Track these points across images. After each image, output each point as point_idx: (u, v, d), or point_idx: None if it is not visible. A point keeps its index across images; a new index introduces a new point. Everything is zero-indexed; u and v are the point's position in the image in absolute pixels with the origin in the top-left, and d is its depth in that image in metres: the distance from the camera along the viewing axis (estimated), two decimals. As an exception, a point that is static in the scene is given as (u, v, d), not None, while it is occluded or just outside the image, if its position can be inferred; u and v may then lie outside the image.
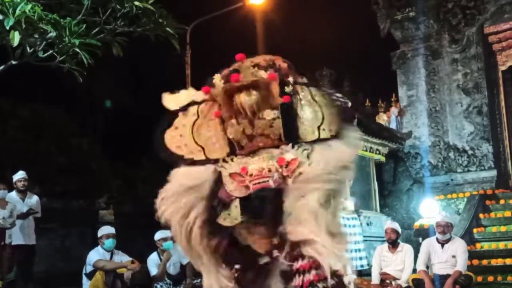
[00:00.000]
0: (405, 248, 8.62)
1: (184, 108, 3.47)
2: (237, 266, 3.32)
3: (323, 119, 3.33)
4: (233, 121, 3.31)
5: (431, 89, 14.41)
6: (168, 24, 7.51)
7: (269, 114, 3.27)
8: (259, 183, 3.22)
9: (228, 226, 3.28)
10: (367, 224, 11.13)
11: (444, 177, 13.88)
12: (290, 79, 3.35)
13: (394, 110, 15.26)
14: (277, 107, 3.29)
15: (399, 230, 8.81)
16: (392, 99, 15.66)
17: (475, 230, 11.54)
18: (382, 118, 15.48)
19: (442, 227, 8.11)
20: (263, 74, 3.33)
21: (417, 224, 11.45)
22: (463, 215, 11.94)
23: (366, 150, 11.72)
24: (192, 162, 3.43)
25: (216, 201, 3.31)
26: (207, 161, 3.39)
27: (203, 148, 3.41)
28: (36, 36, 6.89)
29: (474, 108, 13.80)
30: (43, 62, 7.34)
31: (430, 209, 11.20)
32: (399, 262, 8.51)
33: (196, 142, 3.42)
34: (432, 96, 14.37)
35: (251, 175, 3.24)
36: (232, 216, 3.28)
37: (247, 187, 3.26)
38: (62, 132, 16.58)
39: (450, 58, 14.23)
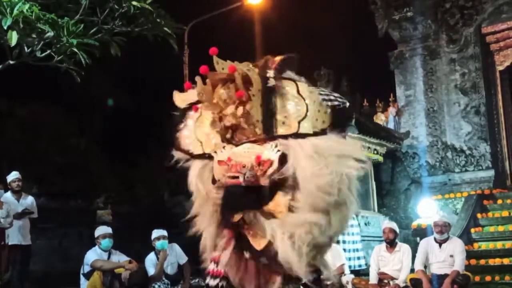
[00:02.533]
0: (403, 248, 8.63)
1: (191, 106, 3.57)
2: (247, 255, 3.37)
3: (306, 114, 3.32)
4: (216, 115, 3.40)
5: (429, 89, 14.42)
6: (166, 24, 7.51)
7: (240, 110, 3.31)
8: (230, 177, 3.29)
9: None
10: (365, 224, 11.14)
11: (442, 177, 13.89)
12: (271, 73, 3.36)
13: (392, 110, 15.27)
14: (248, 100, 3.32)
15: (397, 230, 8.82)
16: (390, 99, 15.68)
17: (472, 230, 11.55)
18: (380, 118, 15.50)
19: (439, 226, 8.12)
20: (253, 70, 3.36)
21: (415, 224, 11.46)
22: (460, 215, 11.95)
23: (364, 150, 11.73)
24: (192, 156, 3.57)
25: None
26: (203, 155, 3.52)
27: (201, 143, 3.54)
28: (34, 36, 6.89)
29: (472, 108, 13.82)
30: (41, 62, 7.34)
31: (428, 209, 11.22)
32: (397, 262, 8.52)
33: (197, 138, 3.56)
34: (430, 96, 14.39)
35: (230, 167, 3.31)
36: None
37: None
38: (60, 132, 16.58)
39: (447, 58, 14.25)
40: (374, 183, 12.16)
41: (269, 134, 3.35)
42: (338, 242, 10.13)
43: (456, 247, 8.10)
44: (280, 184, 3.31)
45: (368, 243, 10.83)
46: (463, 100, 13.96)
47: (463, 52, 14.07)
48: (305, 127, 3.31)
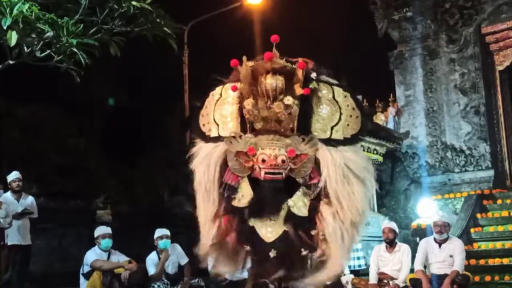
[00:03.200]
0: (403, 248, 8.62)
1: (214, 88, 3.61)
2: (247, 248, 3.36)
3: (339, 120, 3.38)
4: (252, 101, 3.37)
5: (428, 89, 14.43)
6: (166, 24, 7.51)
7: (288, 100, 3.31)
8: (271, 173, 3.31)
9: (241, 207, 3.41)
10: (365, 224, 11.14)
11: (441, 177, 13.90)
12: (314, 75, 3.43)
13: (391, 110, 15.28)
14: (297, 97, 3.35)
15: (397, 229, 8.82)
16: (390, 99, 15.69)
17: (472, 230, 11.55)
18: (379, 118, 15.50)
19: (439, 227, 8.11)
20: (290, 65, 3.40)
21: (414, 224, 11.47)
22: (460, 215, 11.95)
23: (363, 150, 11.73)
24: (206, 140, 3.58)
25: (223, 186, 3.41)
26: (218, 138, 3.53)
27: (218, 126, 3.55)
28: (34, 35, 6.89)
29: (472, 108, 13.83)
30: (40, 62, 7.34)
31: (427, 209, 11.22)
32: (396, 262, 8.51)
33: (214, 120, 3.57)
34: (430, 96, 14.39)
35: (263, 161, 3.31)
36: (245, 197, 3.39)
37: (250, 168, 3.35)
38: (60, 132, 16.57)
39: (447, 58, 14.25)
40: (373, 183, 12.16)
41: (300, 131, 3.38)
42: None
43: (455, 247, 8.10)
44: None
45: (367, 243, 10.83)
46: (462, 100, 13.96)
47: (462, 52, 14.07)
48: (337, 133, 3.37)
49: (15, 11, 6.24)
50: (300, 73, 3.34)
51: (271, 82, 3.34)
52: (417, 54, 14.64)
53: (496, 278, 9.75)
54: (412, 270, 8.41)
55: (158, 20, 7.43)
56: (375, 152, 12.12)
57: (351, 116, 3.41)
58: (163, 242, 8.20)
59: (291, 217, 3.36)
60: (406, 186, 13.92)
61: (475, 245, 11.26)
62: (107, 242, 8.00)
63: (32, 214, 9.39)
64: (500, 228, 11.37)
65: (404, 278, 8.38)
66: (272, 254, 3.33)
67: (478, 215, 11.94)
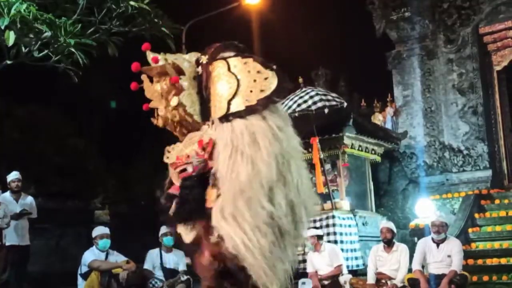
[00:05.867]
0: (401, 248, 8.62)
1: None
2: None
3: (237, 90, 3.06)
4: (160, 109, 3.27)
5: (426, 89, 14.42)
6: (164, 24, 7.51)
7: (173, 101, 3.18)
8: (180, 171, 3.13)
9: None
10: (363, 224, 11.12)
11: (439, 177, 13.89)
12: (204, 58, 3.22)
13: (389, 110, 15.27)
14: (184, 92, 3.19)
15: (395, 229, 8.82)
16: (388, 99, 15.67)
17: (470, 230, 11.54)
18: (377, 118, 15.49)
19: (437, 226, 8.11)
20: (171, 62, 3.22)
21: (412, 223, 11.46)
22: (458, 215, 11.94)
23: (361, 150, 11.71)
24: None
25: (164, 197, 3.24)
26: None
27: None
28: (31, 36, 6.88)
29: (469, 108, 13.82)
30: (38, 62, 7.33)
31: (425, 209, 11.21)
32: (394, 262, 8.51)
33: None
34: (428, 96, 14.38)
35: (178, 163, 3.16)
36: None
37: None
38: (58, 132, 16.52)
39: (445, 58, 14.24)
40: (371, 183, 12.14)
41: (207, 120, 3.19)
42: (336, 242, 10.13)
43: (453, 247, 8.10)
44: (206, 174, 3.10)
45: (365, 243, 10.82)
46: (460, 100, 13.96)
47: (460, 52, 14.06)
48: (237, 105, 3.04)
49: (12, 11, 6.23)
50: (168, 67, 3.16)
51: (156, 87, 3.26)
52: (415, 54, 14.63)
53: (494, 278, 9.75)
54: (410, 270, 8.41)
55: (156, 20, 7.44)
56: (373, 152, 12.09)
57: (255, 80, 3.05)
58: (167, 239, 8.29)
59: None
60: (404, 186, 13.91)
61: (473, 245, 11.25)
62: (105, 242, 7.99)
63: (30, 214, 9.37)
64: (498, 228, 11.36)
65: (402, 278, 8.38)
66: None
67: (476, 215, 11.93)
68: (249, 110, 3.03)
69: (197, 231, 3.12)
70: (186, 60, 3.24)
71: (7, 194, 9.28)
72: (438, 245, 8.12)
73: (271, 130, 3.04)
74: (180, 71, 3.19)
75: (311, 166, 10.74)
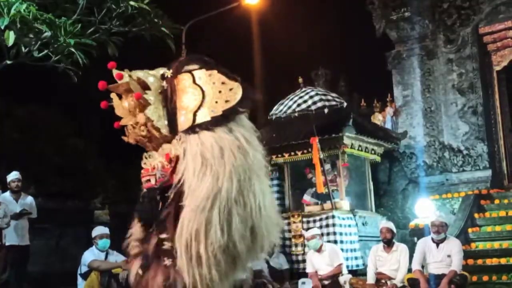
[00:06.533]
0: (400, 248, 8.63)
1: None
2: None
3: (202, 101, 3.09)
4: (129, 126, 3.32)
5: (426, 89, 14.41)
6: (164, 24, 7.50)
7: (141, 119, 3.22)
8: (145, 181, 3.23)
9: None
10: (363, 224, 11.12)
11: (439, 177, 13.88)
12: (168, 72, 3.25)
13: (389, 110, 15.26)
14: (151, 108, 3.19)
15: (394, 229, 8.82)
16: (388, 99, 15.67)
17: (470, 230, 11.54)
18: (377, 118, 15.48)
19: (436, 226, 8.11)
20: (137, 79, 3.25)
21: (412, 223, 11.45)
22: (458, 215, 11.94)
23: (361, 150, 11.71)
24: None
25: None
26: None
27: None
28: (31, 35, 6.88)
29: (469, 108, 13.82)
30: (38, 62, 7.32)
31: (425, 209, 11.20)
32: (394, 262, 8.52)
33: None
34: (427, 96, 14.38)
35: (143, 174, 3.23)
36: None
37: None
38: (58, 132, 16.54)
39: (445, 58, 14.24)
40: (371, 183, 12.14)
41: (175, 134, 3.19)
42: (336, 242, 10.13)
43: (453, 247, 8.10)
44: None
45: (365, 243, 10.82)
46: (460, 100, 13.95)
47: (460, 52, 14.06)
48: (202, 116, 3.07)
49: (12, 11, 6.22)
50: (132, 83, 3.19)
51: (124, 104, 3.30)
52: (415, 54, 14.62)
53: (494, 278, 9.75)
54: (410, 270, 8.41)
55: (156, 20, 7.44)
56: (373, 152, 12.09)
57: (220, 91, 3.08)
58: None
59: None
60: (404, 186, 13.91)
61: (473, 245, 11.25)
62: (104, 242, 7.99)
63: (30, 214, 9.37)
64: (498, 228, 11.35)
65: (401, 278, 8.38)
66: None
67: (476, 215, 11.93)
68: (215, 121, 3.05)
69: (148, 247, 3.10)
70: (152, 75, 3.25)
71: (7, 194, 9.29)
72: (438, 245, 8.13)
73: (238, 142, 3.05)
74: (145, 87, 3.19)
75: (311, 166, 10.75)
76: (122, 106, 3.30)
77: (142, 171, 3.29)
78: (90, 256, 7.88)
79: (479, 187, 13.06)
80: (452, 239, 8.39)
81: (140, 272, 3.10)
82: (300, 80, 11.68)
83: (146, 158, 3.35)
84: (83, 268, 7.88)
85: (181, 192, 3.01)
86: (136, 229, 3.28)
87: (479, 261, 10.42)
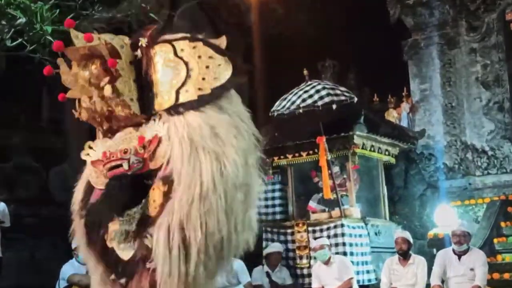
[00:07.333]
0: (417, 260, 8.66)
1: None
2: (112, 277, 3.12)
3: (186, 77, 2.98)
4: (83, 99, 3.10)
5: (446, 82, 14.46)
6: (152, 9, 7.52)
7: (107, 91, 2.99)
8: (112, 167, 3.02)
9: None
10: (375, 234, 11.15)
11: (461, 181, 13.93)
12: (143, 41, 3.09)
13: (405, 106, 15.31)
14: (121, 78, 3.02)
15: (411, 240, 8.85)
16: (403, 94, 15.72)
17: (495, 240, 11.59)
18: (391, 115, 15.54)
19: (458, 236, 8.14)
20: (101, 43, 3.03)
21: (431, 233, 11.50)
22: (482, 223, 11.99)
23: (374, 151, 11.73)
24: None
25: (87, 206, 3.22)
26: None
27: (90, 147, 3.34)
28: (4, 22, 6.89)
29: (495, 103, 13.86)
30: (11, 52, 7.34)
31: (445, 217, 11.24)
32: (410, 276, 8.55)
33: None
34: (448, 90, 14.43)
35: (108, 159, 3.04)
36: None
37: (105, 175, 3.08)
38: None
39: (467, 47, 14.28)
40: (385, 187, 12.16)
41: (147, 113, 3.06)
42: (345, 253, 10.16)
43: (477, 259, 8.13)
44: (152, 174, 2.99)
45: (378, 255, 10.85)
46: (484, 95, 14.00)
47: (485, 41, 14.10)
48: (188, 94, 2.96)
49: (-18, -5, 6.24)
50: (101, 48, 2.97)
51: (82, 73, 3.05)
52: (434, 43, 14.67)
53: (522, 293, 9.80)
54: (428, 285, 8.44)
55: (143, 5, 7.44)
56: (386, 153, 12.11)
57: (207, 67, 2.96)
58: None
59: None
60: (422, 191, 13.95)
61: (499, 257, 11.29)
62: (86, 254, 7.99)
63: (3, 223, 9.39)
64: (527, 238, 11.42)
65: (419, 294, 8.41)
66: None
67: (502, 224, 11.97)
68: (203, 100, 2.95)
69: (137, 247, 2.99)
70: (122, 41, 3.09)
71: (-24, 200, 9.31)
72: (459, 257, 8.16)
73: (232, 120, 2.98)
74: (115, 54, 3.01)
75: (318, 169, 10.78)
76: (75, 74, 3.06)
77: (99, 158, 3.09)
78: (69, 269, 7.91)
79: (506, 192, 13.11)
80: (475, 251, 8.43)
81: (123, 281, 3.03)
82: (305, 72, 11.70)
83: (91, 147, 3.18)
84: (62, 283, 7.91)
85: (168, 181, 2.89)
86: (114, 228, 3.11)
87: (506, 275, 10.45)
